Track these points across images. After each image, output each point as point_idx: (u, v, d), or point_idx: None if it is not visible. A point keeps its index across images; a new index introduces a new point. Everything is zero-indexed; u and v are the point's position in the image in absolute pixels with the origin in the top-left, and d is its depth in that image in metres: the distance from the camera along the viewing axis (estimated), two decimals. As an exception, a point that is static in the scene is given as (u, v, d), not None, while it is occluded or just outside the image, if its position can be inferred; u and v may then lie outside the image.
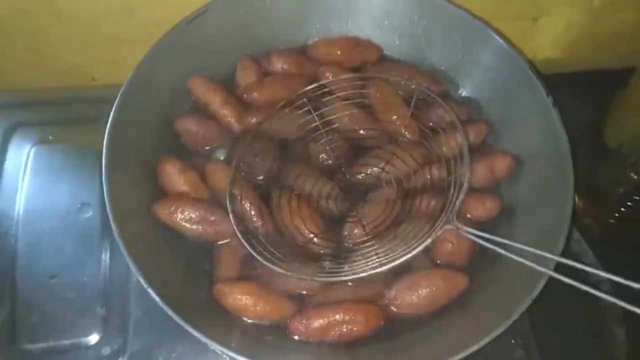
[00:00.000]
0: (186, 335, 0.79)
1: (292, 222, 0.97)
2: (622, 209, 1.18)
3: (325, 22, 1.19)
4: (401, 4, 1.15)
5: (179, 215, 0.97)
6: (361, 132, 1.08)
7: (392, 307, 0.93)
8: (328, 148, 1.05)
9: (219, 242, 0.99)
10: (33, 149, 1.22)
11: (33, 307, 1.04)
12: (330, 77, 1.12)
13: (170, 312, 0.80)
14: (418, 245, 0.86)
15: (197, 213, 0.97)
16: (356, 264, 0.89)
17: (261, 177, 1.03)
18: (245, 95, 1.11)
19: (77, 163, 1.20)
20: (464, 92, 1.17)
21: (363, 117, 1.09)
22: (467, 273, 0.96)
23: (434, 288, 0.92)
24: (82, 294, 1.05)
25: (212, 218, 0.98)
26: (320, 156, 1.05)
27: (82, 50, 1.24)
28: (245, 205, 0.97)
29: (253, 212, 0.97)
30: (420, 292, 0.92)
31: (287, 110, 1.06)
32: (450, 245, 0.97)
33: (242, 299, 0.90)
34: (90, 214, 1.13)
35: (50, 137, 1.24)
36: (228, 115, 1.09)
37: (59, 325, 1.02)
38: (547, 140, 1.00)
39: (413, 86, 1.07)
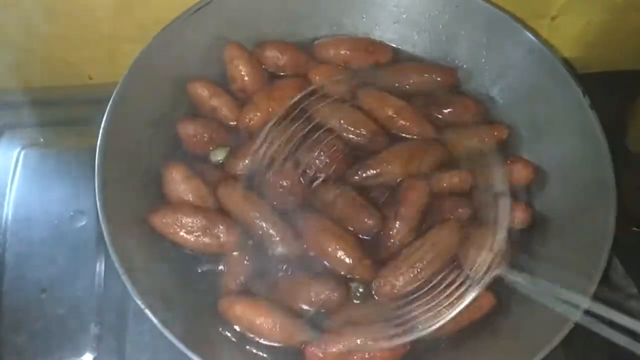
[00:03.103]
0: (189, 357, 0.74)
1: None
2: (647, 217, 1.10)
3: (338, 16, 1.12)
4: (420, -4, 1.08)
5: (179, 226, 0.90)
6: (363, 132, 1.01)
7: (412, 329, 0.84)
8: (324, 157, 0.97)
9: (225, 255, 0.92)
10: (22, 153, 1.15)
11: (21, 324, 0.97)
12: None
13: (173, 339, 0.74)
14: (465, 297, 0.80)
15: (199, 223, 0.90)
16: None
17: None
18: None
19: (70, 168, 1.13)
20: (489, 93, 1.10)
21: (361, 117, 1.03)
22: (497, 290, 0.88)
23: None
24: (74, 310, 0.98)
25: (218, 229, 0.90)
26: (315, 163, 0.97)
27: (77, 48, 1.18)
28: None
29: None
30: (442, 313, 0.83)
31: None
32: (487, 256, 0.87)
33: (248, 316, 0.83)
34: (84, 222, 1.06)
35: (41, 140, 1.18)
36: (234, 117, 1.03)
37: (49, 345, 0.96)
38: (584, 146, 0.94)
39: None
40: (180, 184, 0.94)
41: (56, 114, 1.22)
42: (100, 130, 0.88)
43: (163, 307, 0.77)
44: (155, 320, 0.74)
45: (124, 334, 0.96)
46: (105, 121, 0.89)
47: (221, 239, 0.90)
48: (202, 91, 1.03)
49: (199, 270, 0.92)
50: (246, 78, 1.05)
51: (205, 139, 1.00)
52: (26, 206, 1.08)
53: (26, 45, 1.16)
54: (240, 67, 1.05)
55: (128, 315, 0.97)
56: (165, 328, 0.74)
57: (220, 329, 0.85)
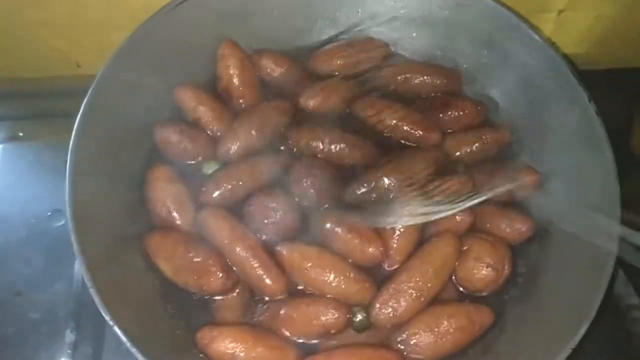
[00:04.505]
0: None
1: None
2: (652, 223, 1.08)
3: (332, 11, 1.09)
4: (419, -9, 1.05)
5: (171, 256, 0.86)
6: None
7: (410, 352, 0.82)
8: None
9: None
10: (0, 147, 1.12)
11: (-8, 329, 0.95)
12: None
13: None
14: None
15: (193, 260, 0.85)
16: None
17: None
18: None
19: (49, 164, 1.10)
20: (490, 95, 1.07)
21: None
22: (492, 306, 0.86)
23: (458, 327, 0.81)
24: (50, 315, 0.97)
25: (214, 271, 0.85)
26: None
27: (63, 35, 1.15)
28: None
29: None
30: (442, 333, 0.81)
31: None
32: (488, 271, 0.86)
33: (231, 346, 0.78)
34: (62, 222, 1.03)
35: (20, 134, 1.15)
36: (219, 130, 1.00)
37: (22, 351, 0.94)
38: (587, 153, 0.90)
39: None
40: (164, 187, 0.92)
41: (37, 107, 1.19)
42: (75, 127, 0.85)
43: (134, 324, 0.74)
44: (123, 337, 0.71)
45: (101, 341, 0.94)
46: (81, 117, 0.86)
47: (216, 282, 0.84)
48: (187, 98, 1.00)
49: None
50: (234, 79, 1.02)
51: (182, 147, 0.97)
52: (2, 204, 1.06)
53: (10, 31, 1.12)
54: (231, 68, 1.02)
55: (105, 322, 0.90)
56: (133, 344, 0.71)
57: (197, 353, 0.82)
